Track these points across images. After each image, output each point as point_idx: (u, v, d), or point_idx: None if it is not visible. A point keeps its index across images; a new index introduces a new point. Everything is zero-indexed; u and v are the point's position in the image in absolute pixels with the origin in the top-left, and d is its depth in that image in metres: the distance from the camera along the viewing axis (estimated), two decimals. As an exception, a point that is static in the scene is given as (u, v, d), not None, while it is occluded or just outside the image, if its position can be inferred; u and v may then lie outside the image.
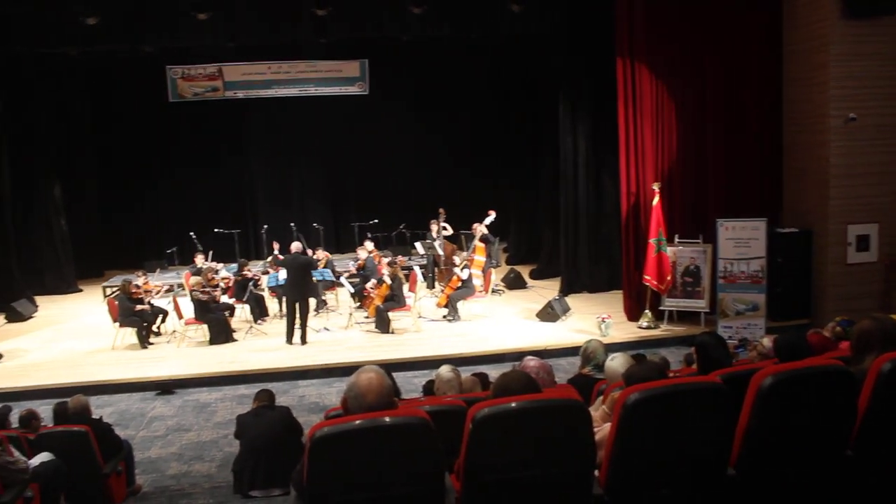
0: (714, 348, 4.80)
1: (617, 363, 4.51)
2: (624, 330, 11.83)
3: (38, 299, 15.58)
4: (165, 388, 10.63)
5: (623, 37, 11.81)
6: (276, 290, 13.32)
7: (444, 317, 12.93)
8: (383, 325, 12.23)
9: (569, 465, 3.33)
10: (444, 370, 5.52)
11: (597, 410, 4.15)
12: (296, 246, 12.33)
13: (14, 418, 7.32)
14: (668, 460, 3.46)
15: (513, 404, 3.25)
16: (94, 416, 7.28)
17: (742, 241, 11.23)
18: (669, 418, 3.40)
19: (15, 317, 14.37)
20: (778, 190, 12.30)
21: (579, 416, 3.29)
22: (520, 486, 3.30)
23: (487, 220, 13.99)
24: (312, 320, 12.63)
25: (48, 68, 16.15)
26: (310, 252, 13.81)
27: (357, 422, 3.11)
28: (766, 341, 6.26)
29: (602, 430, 3.72)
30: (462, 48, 17.46)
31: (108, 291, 15.14)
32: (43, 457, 6.03)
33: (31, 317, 14.73)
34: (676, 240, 11.82)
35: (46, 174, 16.36)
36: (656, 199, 11.47)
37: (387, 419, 3.10)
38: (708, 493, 3.62)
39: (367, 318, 12.96)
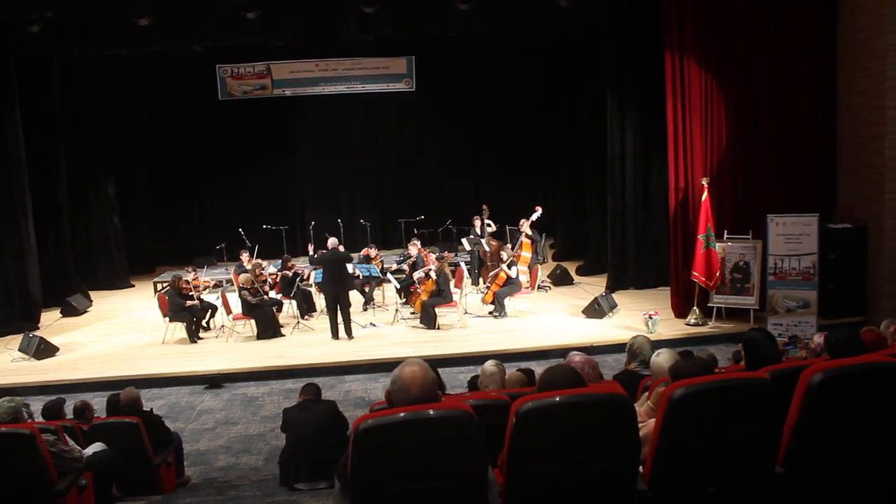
0: (763, 345, 4.70)
1: (662, 358, 4.44)
2: (671, 327, 11.68)
3: (92, 294, 15.92)
4: (214, 381, 10.78)
5: (672, 30, 11.64)
6: (322, 286, 13.40)
7: (490, 313, 12.90)
8: (429, 321, 12.24)
9: (613, 461, 3.30)
10: (489, 365, 5.51)
11: (642, 406, 4.10)
12: (332, 241, 12.40)
13: (68, 409, 7.49)
14: (713, 457, 3.41)
15: (557, 398, 3.23)
16: (144, 409, 7.40)
17: (793, 236, 11.00)
18: (715, 414, 3.35)
19: (70, 311, 14.70)
20: (831, 184, 12.01)
21: (624, 411, 3.25)
22: (563, 481, 3.28)
23: (534, 217, 13.93)
24: (359, 316, 12.69)
25: (102, 69, 16.49)
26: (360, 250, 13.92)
27: (401, 414, 3.12)
28: (818, 338, 6.14)
29: (647, 425, 3.68)
30: (509, 44, 17.44)
31: (159, 287, 15.41)
32: (96, 447, 6.15)
33: (85, 311, 15.05)
34: (725, 236, 11.64)
35: (101, 173, 16.74)
36: (705, 195, 11.29)
37: (430, 412, 3.11)
38: (754, 491, 3.56)
39: (412, 313, 13.01)
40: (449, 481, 3.16)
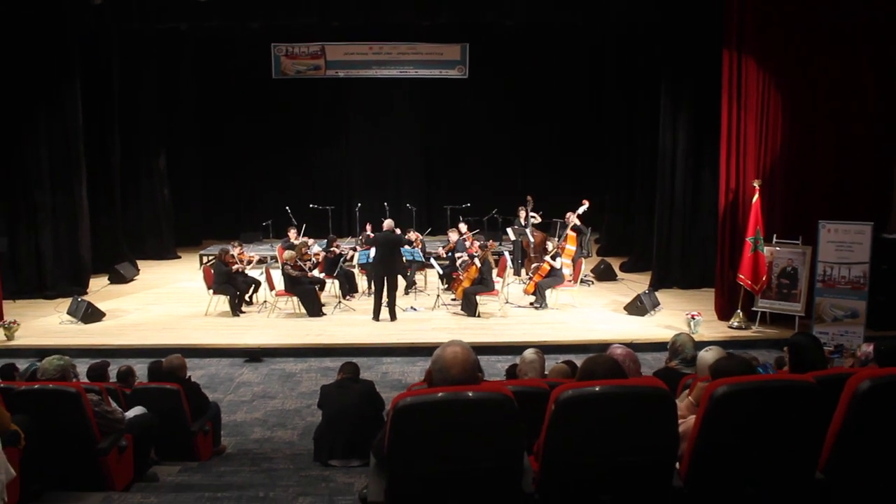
0: (809, 350, 4.62)
1: (710, 355, 4.39)
2: (713, 329, 11.54)
3: (140, 264, 16.20)
4: (254, 355, 10.90)
5: (731, 28, 11.44)
6: (365, 268, 13.48)
7: (531, 304, 12.87)
8: (470, 308, 12.25)
9: (650, 455, 3.27)
10: (529, 352, 5.50)
11: (682, 402, 4.06)
12: (388, 223, 12.44)
13: (112, 374, 7.65)
14: (752, 458, 3.36)
15: (598, 388, 3.21)
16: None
17: (845, 244, 10.76)
18: (758, 415, 3.30)
19: (118, 279, 14.99)
20: (887, 193, 11.73)
21: (665, 404, 3.22)
22: (599, 471, 3.26)
23: (581, 210, 13.85)
24: (400, 299, 12.75)
25: (159, 44, 16.73)
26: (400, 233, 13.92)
27: (440, 394, 3.13)
28: (866, 347, 6.01)
29: (686, 421, 3.64)
30: (564, 36, 17.34)
31: (205, 259, 15.63)
32: (137, 410, 6.27)
33: (132, 280, 15.33)
34: (774, 240, 11.44)
35: (153, 145, 17.02)
36: (756, 197, 11.09)
37: (469, 393, 3.11)
38: (793, 495, 3.50)
39: (454, 300, 13.02)
40: (485, 464, 3.17)
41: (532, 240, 14.58)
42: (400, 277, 13.43)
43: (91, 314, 12.01)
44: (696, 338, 10.20)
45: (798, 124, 11.51)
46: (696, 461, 3.36)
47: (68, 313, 12.03)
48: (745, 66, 11.44)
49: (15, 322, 11.20)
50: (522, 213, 15.01)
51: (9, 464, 4.38)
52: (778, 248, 11.45)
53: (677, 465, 3.48)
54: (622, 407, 3.20)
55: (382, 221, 12.82)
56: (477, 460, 3.15)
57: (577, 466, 3.26)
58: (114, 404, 5.68)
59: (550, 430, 3.24)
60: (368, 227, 14.09)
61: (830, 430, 3.46)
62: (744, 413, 3.28)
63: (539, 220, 15.07)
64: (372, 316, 12.06)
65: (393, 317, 12.02)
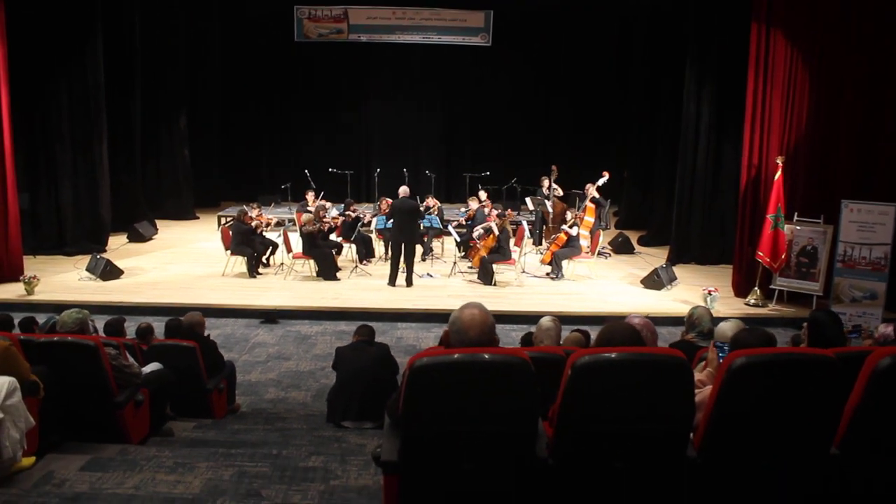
0: (828, 326, 4.58)
1: (728, 327, 4.35)
2: (730, 305, 11.48)
3: (158, 223, 16.29)
4: (270, 317, 10.95)
5: (760, 1, 11.26)
6: (383, 233, 13.48)
7: (548, 274, 12.84)
8: (486, 277, 12.24)
9: (665, 423, 3.26)
10: (546, 320, 5.49)
11: (699, 372, 4.04)
12: (403, 190, 12.40)
13: (130, 331, 7.71)
14: (768, 432, 3.33)
15: (615, 354, 3.19)
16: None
17: (867, 225, 10.65)
18: (775, 388, 3.26)
19: (136, 237, 15.09)
20: (914, 175, 11.58)
21: (682, 373, 3.20)
22: (612, 439, 3.26)
23: (600, 182, 13.77)
24: (417, 266, 12.75)
25: (181, 4, 16.69)
26: (421, 200, 13.93)
27: (456, 355, 3.13)
28: (884, 328, 5.96)
29: (702, 392, 3.62)
30: (588, 6, 17.13)
31: (223, 220, 15.68)
32: (153, 366, 6.33)
33: (151, 239, 15.42)
34: (795, 218, 11.32)
35: (174, 106, 17.07)
36: (778, 174, 10.96)
37: (486, 356, 3.11)
38: (808, 469, 3.48)
39: (470, 268, 13.02)
40: (499, 426, 3.17)
41: (551, 210, 14.52)
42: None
43: (109, 271, 12.10)
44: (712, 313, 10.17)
45: (824, 100, 11.33)
46: (712, 432, 3.34)
47: (87, 270, 12.12)
48: (774, 39, 11.25)
49: (35, 277, 11.30)
50: (545, 183, 14.93)
51: (28, 413, 4.45)
52: (798, 227, 11.34)
53: (692, 435, 3.46)
54: (639, 375, 3.18)
55: (399, 188, 12.77)
56: (491, 423, 3.16)
57: (592, 433, 3.25)
58: (131, 359, 5.72)
59: (566, 396, 3.23)
60: (384, 202, 13.95)
61: (848, 406, 3.43)
62: (761, 385, 3.25)
63: (561, 192, 14.99)
64: (388, 281, 12.07)
65: (409, 283, 12.04)
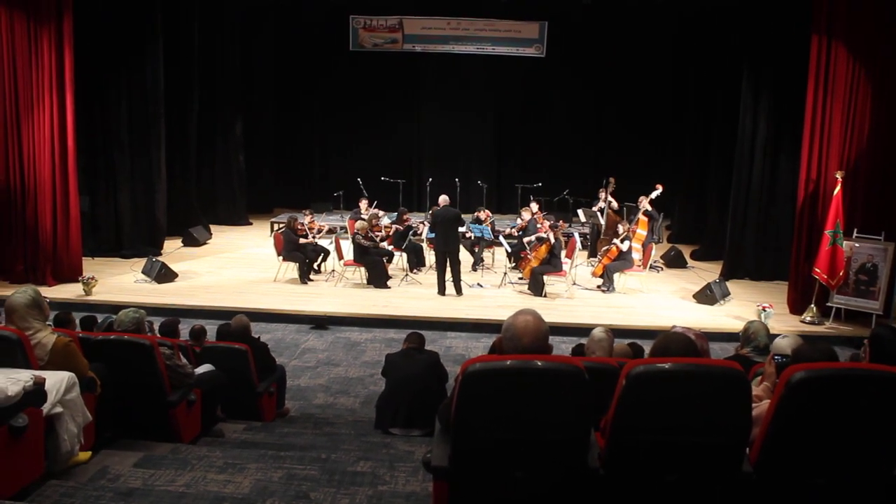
0: (891, 342, 4.43)
1: (786, 342, 4.26)
2: (785, 322, 11.22)
3: (212, 228, 16.52)
4: (320, 323, 11.05)
5: (822, 14, 11.02)
6: (433, 242, 13.50)
7: (599, 287, 12.73)
8: (537, 288, 12.17)
9: (720, 437, 3.18)
10: (598, 331, 5.43)
11: (757, 387, 3.95)
12: (443, 199, 12.41)
13: (183, 332, 7.82)
14: (828, 449, 3.24)
15: (671, 364, 3.14)
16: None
17: (931, 242, 10.38)
18: (835, 404, 3.16)
19: (191, 242, 15.34)
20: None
21: (740, 386, 3.12)
22: (666, 450, 3.19)
23: (654, 195, 13.62)
24: (467, 276, 12.74)
25: (239, 13, 16.99)
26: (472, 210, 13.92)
27: (509, 362, 3.10)
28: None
29: (759, 406, 3.54)
30: (644, 16, 17.02)
31: (276, 227, 15.85)
32: (206, 367, 6.41)
33: (205, 243, 15.66)
34: (855, 234, 11.06)
35: (230, 112, 17.32)
36: (837, 189, 10.71)
37: (539, 363, 3.08)
38: (867, 490, 3.37)
39: (521, 279, 12.96)
40: (551, 435, 3.14)
41: (604, 222, 14.40)
42: (466, 253, 13.45)
43: (164, 274, 12.32)
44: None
45: (886, 115, 11.05)
46: (768, 447, 3.25)
47: (143, 272, 12.36)
48: (835, 51, 11.02)
49: (93, 278, 11.57)
50: (602, 195, 14.83)
51: (86, 408, 4.53)
52: (857, 244, 11.08)
53: (748, 450, 3.38)
54: (695, 386, 3.12)
55: (439, 197, 12.78)
56: (544, 430, 3.12)
57: (645, 444, 3.20)
58: (184, 359, 5.80)
59: (619, 406, 3.18)
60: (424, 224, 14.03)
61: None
62: (821, 401, 3.16)
63: (617, 206, 14.85)
64: (437, 290, 12.08)
65: (459, 291, 12.03)
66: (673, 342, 3.36)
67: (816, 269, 10.97)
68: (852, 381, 3.19)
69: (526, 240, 13.00)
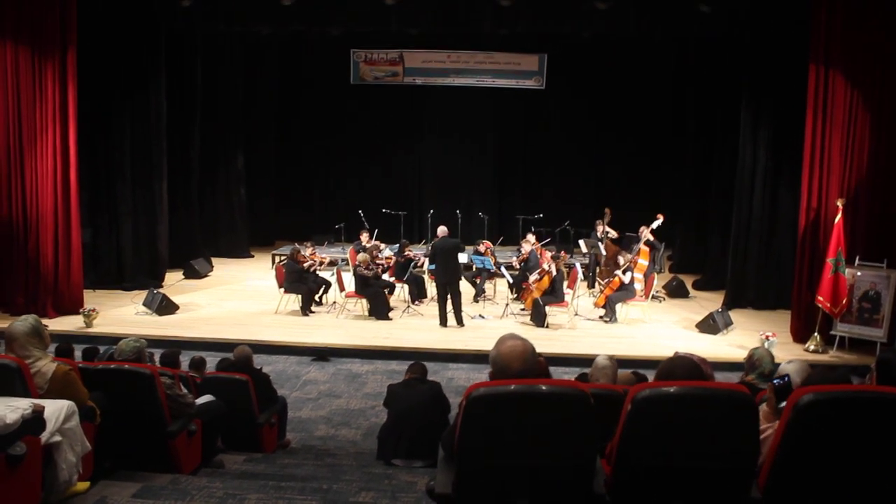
0: (898, 367, 4.39)
1: (791, 367, 4.22)
2: (788, 351, 11.15)
3: (214, 261, 16.48)
4: (321, 354, 11.01)
5: (819, 43, 11.11)
6: (434, 274, 13.48)
7: (601, 317, 12.70)
8: (539, 319, 12.13)
9: (728, 462, 3.15)
10: (602, 358, 5.41)
11: (762, 411, 3.91)
12: (442, 230, 12.43)
13: (184, 364, 7.78)
14: (837, 474, 3.19)
15: (677, 388, 3.10)
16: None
17: (933, 269, 10.35)
18: (844, 427, 3.13)
19: (192, 274, 15.32)
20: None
21: (747, 410, 3.09)
22: (672, 475, 3.16)
23: (655, 225, 13.62)
24: (468, 307, 12.72)
25: (242, 46, 17.13)
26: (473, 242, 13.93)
27: (513, 386, 3.08)
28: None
29: (768, 430, 3.49)
30: (643, 47, 17.14)
31: (278, 259, 15.84)
32: (206, 398, 6.36)
33: (206, 275, 15.63)
34: (857, 261, 11.05)
35: (232, 145, 17.38)
36: (839, 217, 10.73)
37: (543, 387, 3.05)
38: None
39: (522, 310, 12.93)
40: (556, 460, 3.10)
41: (604, 253, 14.40)
42: (468, 284, 13.42)
43: (165, 307, 12.29)
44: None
45: (886, 143, 11.10)
46: (777, 472, 3.21)
47: (144, 305, 12.34)
48: (833, 81, 11.09)
49: (94, 310, 11.56)
50: (599, 227, 14.84)
51: (85, 438, 4.49)
52: (860, 272, 11.05)
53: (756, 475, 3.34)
54: (702, 410, 3.08)
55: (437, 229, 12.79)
56: (548, 456, 3.09)
57: (652, 469, 3.16)
58: (184, 389, 5.76)
59: (625, 431, 3.15)
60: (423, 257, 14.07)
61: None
62: (830, 424, 3.12)
63: (615, 235, 14.86)
64: (439, 322, 12.05)
65: (460, 322, 12.00)
66: (678, 366, 3.33)
67: (819, 298, 10.94)
68: (860, 403, 3.16)
69: (531, 277, 12.95)
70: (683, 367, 3.33)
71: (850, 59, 11.05)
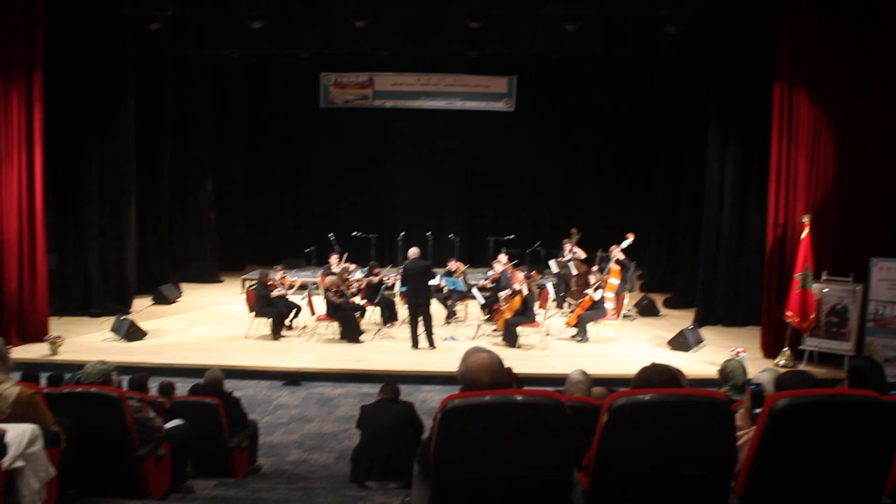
0: (869, 374, 4.42)
1: (765, 376, 4.24)
2: (759, 366, 11.02)
3: (183, 286, 16.32)
4: (292, 378, 10.89)
5: (783, 62, 11.31)
6: (406, 296, 13.42)
7: (573, 336, 12.70)
8: (511, 339, 12.11)
9: (706, 469, 3.14)
10: (575, 373, 5.40)
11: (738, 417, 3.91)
12: (413, 251, 12.38)
13: (154, 390, 7.65)
14: (814, 479, 3.19)
15: (653, 395, 3.09)
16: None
17: (898, 282, 10.49)
18: (819, 431, 3.14)
19: (161, 300, 15.12)
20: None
21: (723, 415, 3.09)
22: (651, 485, 3.13)
23: (625, 244, 13.69)
24: (440, 329, 12.68)
25: (211, 69, 17.06)
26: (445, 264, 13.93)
27: (487, 397, 3.04)
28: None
29: (744, 436, 3.49)
30: (611, 68, 17.31)
31: (248, 284, 15.68)
32: (176, 422, 6.25)
33: (175, 301, 15.44)
34: (824, 276, 11.17)
35: (201, 169, 17.24)
36: (805, 232, 10.87)
37: (519, 397, 3.02)
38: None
39: (494, 331, 12.90)
40: (533, 472, 3.07)
41: (574, 272, 14.43)
42: (439, 305, 13.37)
43: (133, 333, 12.12)
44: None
45: (850, 160, 11.28)
46: (754, 478, 3.20)
47: (111, 331, 12.15)
48: (797, 99, 11.28)
49: (59, 337, 11.35)
50: (567, 247, 14.89)
51: (49, 463, 4.37)
52: (826, 290, 11.18)
53: (733, 482, 3.32)
54: (678, 417, 3.07)
55: (408, 250, 12.74)
56: (525, 468, 3.05)
57: (630, 479, 3.14)
58: (153, 413, 5.65)
59: (602, 441, 3.12)
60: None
61: (898, 453, 3.29)
62: (805, 428, 3.12)
63: (584, 255, 14.91)
64: (411, 344, 11.98)
65: (431, 345, 11.94)
66: (654, 374, 3.32)
67: (788, 313, 11.05)
68: (835, 406, 3.17)
69: (501, 294, 12.95)
70: (660, 374, 3.32)
71: (813, 78, 11.24)
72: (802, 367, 11.12)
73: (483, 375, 3.14)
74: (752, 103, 12.73)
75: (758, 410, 3.47)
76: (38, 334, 11.71)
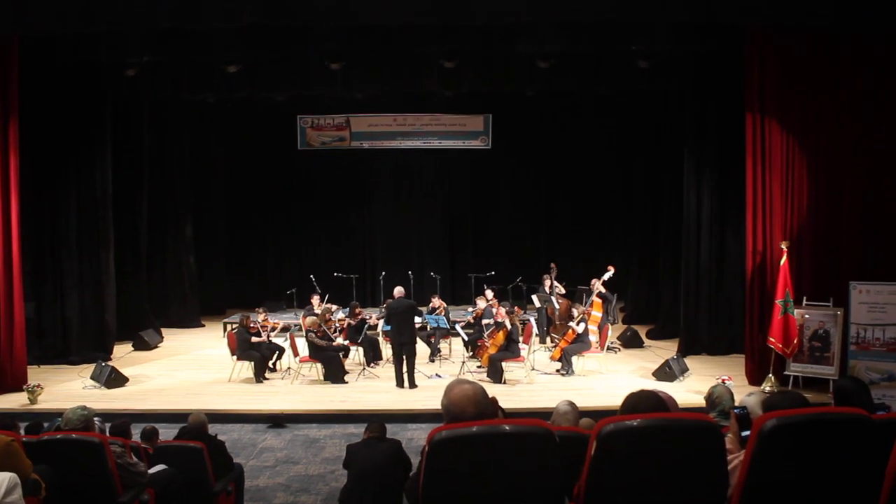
0: (855, 394, 4.44)
1: (752, 399, 4.24)
2: (745, 394, 11.21)
3: (164, 331, 16.18)
4: (277, 421, 10.76)
5: (753, 93, 11.50)
6: (389, 335, 13.37)
7: (558, 370, 12.68)
8: (496, 375, 12.07)
9: (697, 493, 3.11)
10: (562, 404, 5.37)
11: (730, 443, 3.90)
12: (398, 290, 12.38)
13: (136, 435, 7.53)
14: (806, 497, 3.18)
15: (642, 421, 3.07)
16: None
17: (878, 305, 10.55)
18: (808, 451, 3.13)
19: (141, 345, 14.96)
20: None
21: (713, 439, 3.07)
22: (643, 512, 3.11)
23: (606, 276, 13.75)
24: (424, 367, 12.62)
25: (188, 114, 17.07)
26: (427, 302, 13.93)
27: (475, 427, 3.02)
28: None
29: (735, 459, 3.48)
30: (586, 103, 17.50)
31: (229, 327, 15.58)
32: (160, 467, 6.15)
33: (156, 346, 15.30)
34: (804, 302, 11.26)
35: (180, 213, 17.19)
36: (784, 259, 10.98)
37: (507, 427, 3.00)
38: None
39: (479, 367, 12.85)
40: (524, 502, 3.03)
41: (557, 307, 14.45)
42: (423, 344, 13.32)
43: (114, 379, 11.96)
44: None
45: (824, 184, 11.47)
46: (746, 501, 3.18)
47: (92, 378, 11.98)
48: (769, 128, 11.47)
49: (38, 386, 11.15)
50: (547, 282, 14.93)
51: (29, 513, 4.29)
52: (808, 316, 11.25)
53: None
54: (668, 441, 3.05)
55: (393, 289, 12.75)
56: (515, 498, 3.02)
57: (620, 506, 3.11)
58: (135, 458, 5.56)
59: (592, 469, 3.10)
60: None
61: (889, 470, 3.28)
62: (795, 448, 3.11)
63: (563, 290, 14.94)
64: (396, 383, 11.91)
65: (412, 384, 11.87)
66: (642, 400, 3.31)
67: (771, 339, 11.11)
68: (823, 425, 3.17)
69: (484, 322, 12.97)
70: (647, 400, 3.32)
71: (784, 108, 11.46)
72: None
73: (467, 406, 3.12)
74: (726, 133, 12.92)
75: (745, 433, 3.46)
76: (17, 384, 11.49)
